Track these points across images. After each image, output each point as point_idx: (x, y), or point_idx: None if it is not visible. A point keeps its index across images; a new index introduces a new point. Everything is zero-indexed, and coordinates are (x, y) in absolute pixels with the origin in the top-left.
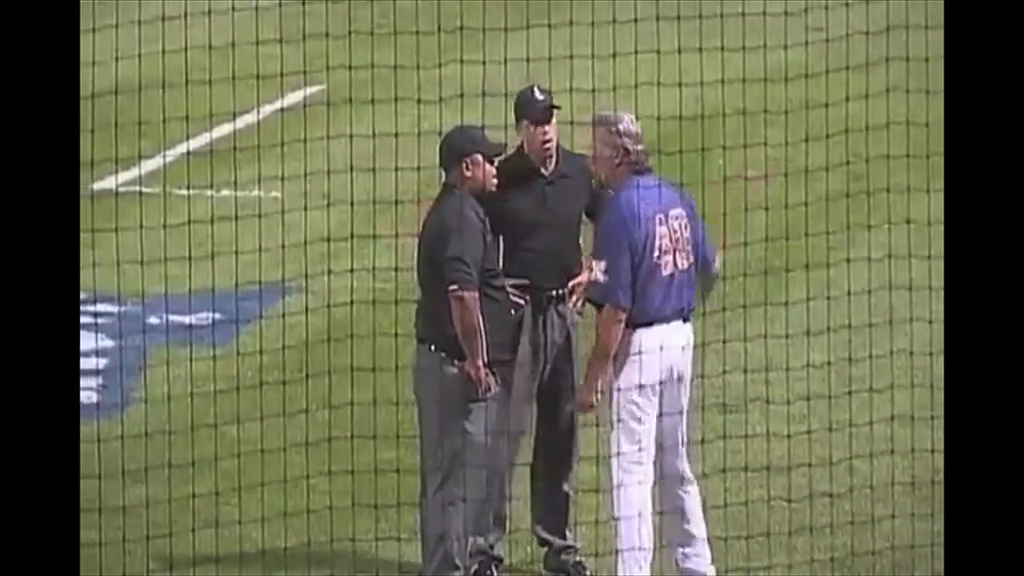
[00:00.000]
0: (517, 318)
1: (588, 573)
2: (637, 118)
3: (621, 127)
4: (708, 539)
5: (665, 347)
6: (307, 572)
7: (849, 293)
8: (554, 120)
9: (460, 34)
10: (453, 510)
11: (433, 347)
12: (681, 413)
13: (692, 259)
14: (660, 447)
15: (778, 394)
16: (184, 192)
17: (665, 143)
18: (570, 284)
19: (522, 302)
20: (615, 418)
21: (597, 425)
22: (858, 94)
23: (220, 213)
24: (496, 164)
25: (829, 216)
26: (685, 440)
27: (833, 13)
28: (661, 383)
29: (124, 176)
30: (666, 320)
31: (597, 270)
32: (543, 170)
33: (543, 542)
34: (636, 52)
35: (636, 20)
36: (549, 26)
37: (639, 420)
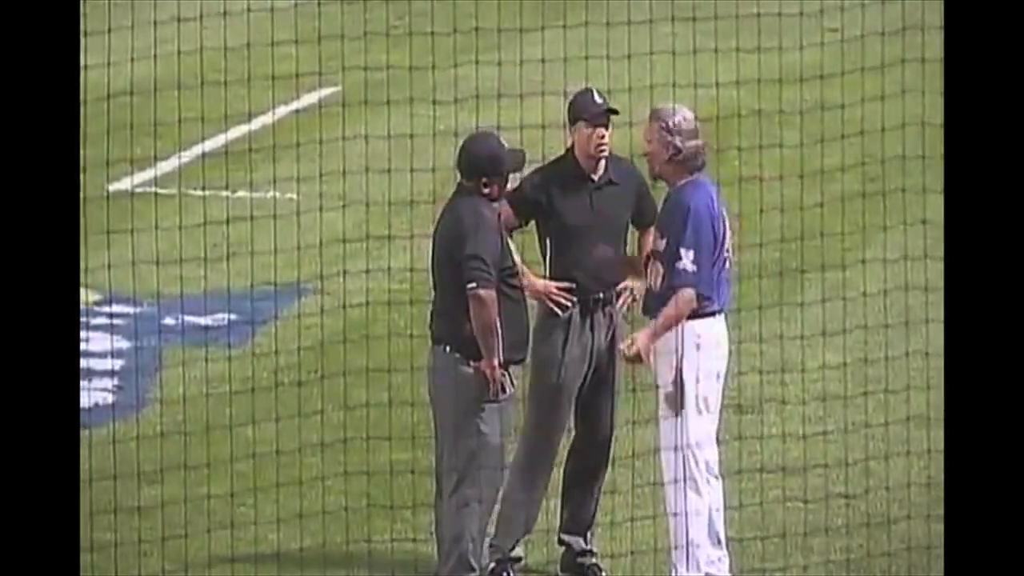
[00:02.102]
0: (563, 320)
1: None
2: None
3: (671, 123)
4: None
5: (723, 340)
6: (323, 573)
7: (865, 294)
8: (611, 125)
9: (475, 35)
10: (468, 511)
11: (448, 348)
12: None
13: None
14: None
15: (794, 395)
16: (200, 193)
17: None
18: (617, 288)
19: (568, 305)
20: (696, 408)
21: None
22: (873, 95)
23: (235, 214)
24: (544, 167)
25: (844, 217)
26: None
27: (848, 14)
28: (719, 374)
29: (140, 177)
30: (723, 313)
31: (686, 259)
32: (592, 175)
33: (563, 543)
34: (651, 53)
35: (651, 21)
36: (564, 27)
37: (711, 411)
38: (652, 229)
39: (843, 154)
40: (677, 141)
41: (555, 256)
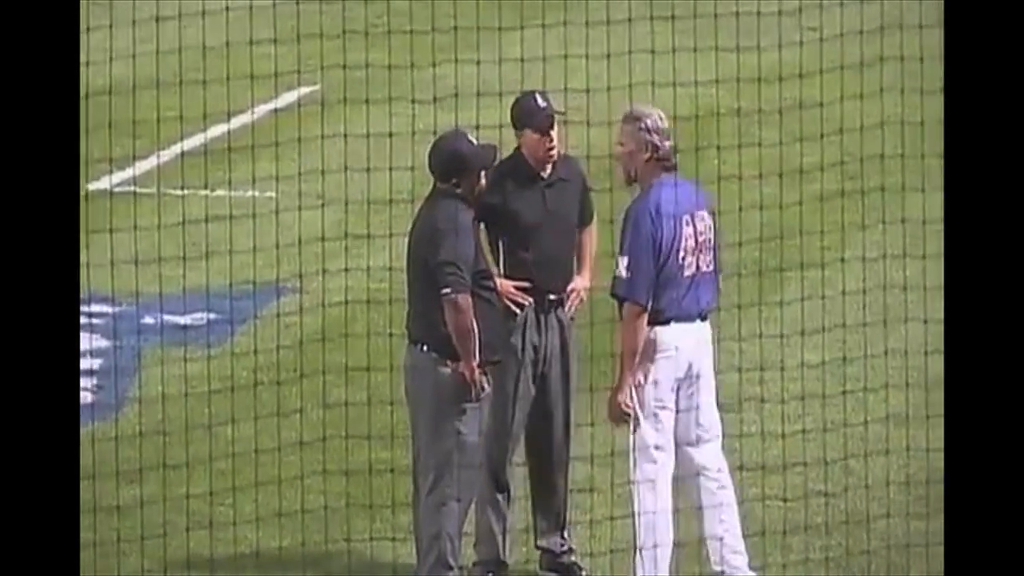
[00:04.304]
0: (520, 320)
1: (584, 574)
2: None
3: (650, 123)
4: (721, 538)
5: (682, 346)
6: (302, 572)
7: (844, 293)
8: (556, 127)
9: (455, 34)
10: (446, 510)
11: (425, 347)
12: (698, 409)
13: (715, 260)
14: (677, 444)
15: (773, 393)
16: (179, 192)
17: None
18: (567, 288)
19: (524, 304)
20: (652, 413)
21: (592, 424)
22: (853, 94)
23: (215, 213)
24: (493, 166)
25: (824, 216)
26: (719, 434)
27: (827, 13)
28: (679, 380)
29: (119, 176)
30: (686, 319)
31: (621, 266)
32: (542, 173)
33: (540, 548)
34: (630, 52)
35: (630, 20)
36: (543, 26)
37: (657, 416)
38: (589, 228)
39: (822, 153)
40: (656, 140)
41: (508, 256)
